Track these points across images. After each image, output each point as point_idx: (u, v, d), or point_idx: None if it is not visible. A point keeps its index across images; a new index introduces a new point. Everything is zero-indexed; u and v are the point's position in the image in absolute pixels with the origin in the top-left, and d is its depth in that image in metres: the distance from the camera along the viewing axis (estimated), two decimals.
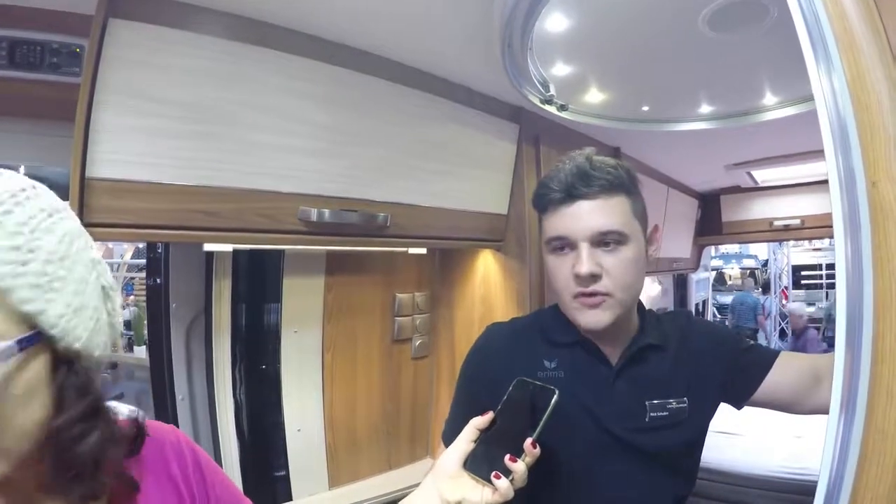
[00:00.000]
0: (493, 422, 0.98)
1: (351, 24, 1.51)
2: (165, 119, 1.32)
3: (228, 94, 1.40)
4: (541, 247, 1.26)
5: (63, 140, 1.26)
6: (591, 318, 1.15)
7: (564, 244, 1.17)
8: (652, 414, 1.19)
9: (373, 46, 1.64)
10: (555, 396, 0.96)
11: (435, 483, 0.94)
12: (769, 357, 1.28)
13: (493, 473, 0.89)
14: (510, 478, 0.89)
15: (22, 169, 1.62)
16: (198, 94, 1.36)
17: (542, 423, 0.94)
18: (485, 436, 0.97)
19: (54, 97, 1.45)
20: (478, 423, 0.98)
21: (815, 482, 0.61)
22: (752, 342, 1.35)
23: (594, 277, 1.13)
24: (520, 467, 0.90)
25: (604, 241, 1.13)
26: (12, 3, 1.38)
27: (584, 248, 1.13)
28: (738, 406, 1.31)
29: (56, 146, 1.45)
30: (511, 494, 0.90)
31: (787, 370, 1.26)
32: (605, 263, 1.13)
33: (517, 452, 0.91)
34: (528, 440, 0.92)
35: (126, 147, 1.28)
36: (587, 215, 1.14)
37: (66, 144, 1.24)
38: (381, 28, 1.55)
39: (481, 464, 0.93)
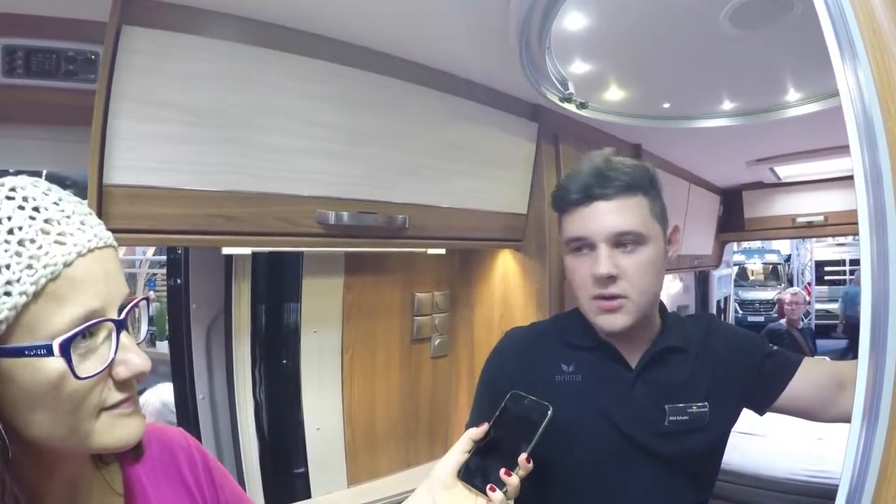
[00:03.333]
0: (487, 433, 0.98)
1: (365, 24, 1.51)
2: (181, 124, 1.32)
3: (244, 98, 1.40)
4: (560, 247, 1.25)
5: (83, 145, 1.27)
6: (610, 322, 1.16)
7: (583, 245, 1.17)
8: (672, 418, 1.18)
9: (388, 47, 1.64)
10: (549, 412, 0.96)
11: (429, 492, 0.95)
12: (793, 363, 1.26)
13: (489, 486, 0.90)
14: (504, 490, 0.90)
15: (44, 174, 1.65)
16: (213, 99, 1.36)
17: (535, 438, 0.94)
18: (479, 447, 0.97)
19: (72, 103, 1.46)
20: (473, 434, 0.98)
21: (836, 486, 0.59)
22: (775, 347, 1.32)
23: (612, 279, 1.13)
24: (513, 480, 0.91)
25: (622, 242, 1.14)
26: (26, 12, 1.40)
27: (603, 249, 1.13)
28: (761, 412, 1.29)
29: (76, 151, 1.46)
30: None
31: (810, 377, 1.24)
32: (622, 265, 1.13)
33: (511, 465, 0.92)
34: (523, 455, 0.92)
35: (143, 153, 1.28)
36: (605, 216, 1.14)
37: (86, 149, 1.24)
38: (396, 28, 1.54)
39: (475, 474, 0.94)
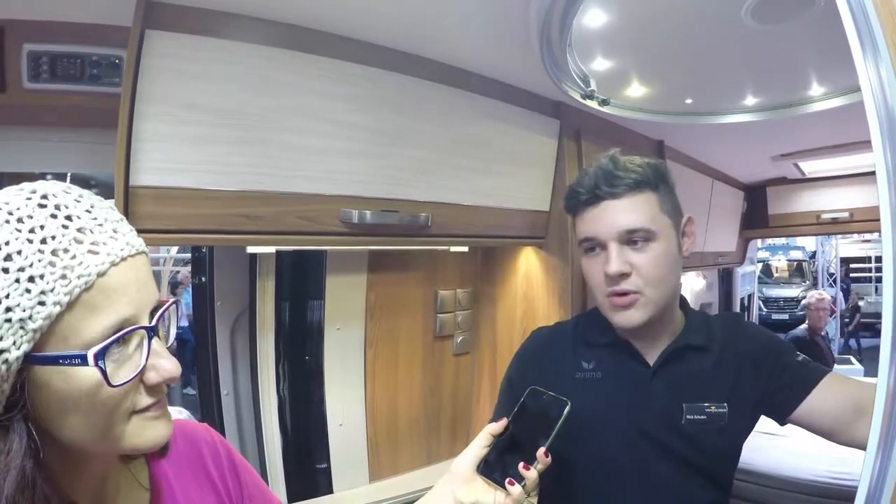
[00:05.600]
0: (506, 428, 0.99)
1: (387, 24, 1.52)
2: (205, 126, 1.34)
3: (266, 100, 1.41)
4: (577, 249, 1.27)
5: (107, 147, 1.29)
6: (624, 318, 1.17)
7: (595, 244, 1.19)
8: (689, 416, 1.18)
9: (409, 46, 1.64)
10: (567, 408, 0.97)
11: (450, 485, 0.96)
12: (814, 376, 1.21)
13: (507, 480, 0.91)
14: (522, 483, 0.91)
15: (69, 175, 1.68)
16: (235, 101, 1.37)
17: (553, 433, 0.96)
18: (498, 442, 0.99)
19: (97, 107, 1.48)
20: (492, 429, 0.99)
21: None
22: (803, 357, 1.27)
23: (624, 276, 1.15)
24: (532, 474, 0.92)
25: (631, 239, 1.15)
26: (51, 18, 1.42)
27: (613, 247, 1.15)
28: (781, 421, 1.26)
29: (101, 152, 1.49)
30: (523, 499, 0.92)
31: (829, 395, 1.19)
32: (634, 261, 1.15)
33: (529, 460, 0.93)
34: (541, 449, 0.93)
35: (168, 155, 1.30)
36: (613, 215, 1.16)
37: (110, 150, 1.26)
38: (417, 27, 1.55)
39: (494, 468, 0.95)
